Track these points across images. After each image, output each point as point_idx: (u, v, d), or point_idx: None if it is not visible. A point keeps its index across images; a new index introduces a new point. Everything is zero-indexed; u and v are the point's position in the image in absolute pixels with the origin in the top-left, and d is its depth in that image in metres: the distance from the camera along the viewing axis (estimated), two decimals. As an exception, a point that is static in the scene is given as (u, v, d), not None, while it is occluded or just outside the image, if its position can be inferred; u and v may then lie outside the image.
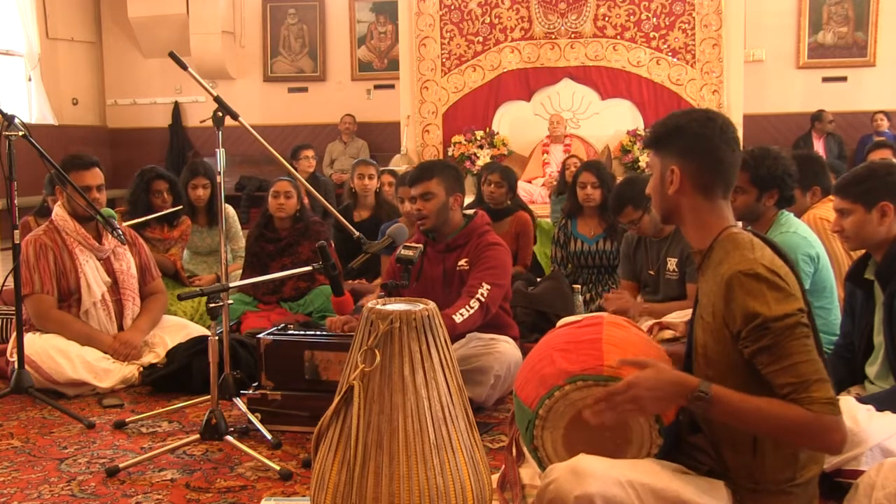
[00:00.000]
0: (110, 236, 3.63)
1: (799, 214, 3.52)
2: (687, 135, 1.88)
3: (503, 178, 5.03)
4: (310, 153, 7.30)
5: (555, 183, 6.87)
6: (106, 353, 3.61)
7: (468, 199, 5.85)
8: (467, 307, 3.13)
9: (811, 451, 1.81)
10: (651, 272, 3.70)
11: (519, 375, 2.11)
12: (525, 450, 2.31)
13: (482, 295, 3.16)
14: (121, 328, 3.75)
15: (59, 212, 3.69)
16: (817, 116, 8.98)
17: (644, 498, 1.71)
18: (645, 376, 1.73)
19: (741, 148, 1.92)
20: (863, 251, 2.66)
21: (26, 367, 3.28)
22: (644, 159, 7.86)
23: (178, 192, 4.75)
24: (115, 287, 3.74)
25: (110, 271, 3.73)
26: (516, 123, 8.46)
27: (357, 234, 3.00)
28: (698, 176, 1.86)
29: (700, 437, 1.91)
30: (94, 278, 3.66)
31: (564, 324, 2.25)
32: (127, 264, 3.79)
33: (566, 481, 1.71)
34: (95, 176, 3.67)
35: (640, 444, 1.87)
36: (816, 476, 1.87)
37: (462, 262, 3.33)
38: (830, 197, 3.44)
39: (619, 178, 7.79)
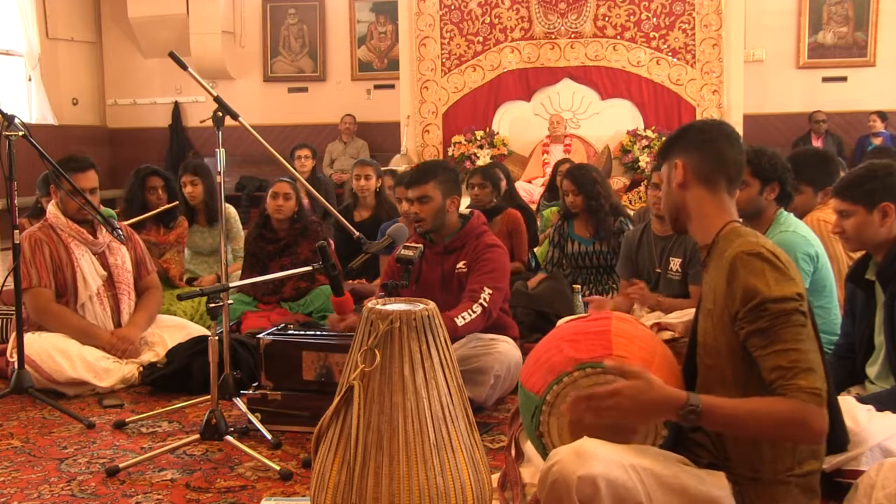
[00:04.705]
0: (104, 230, 3.64)
1: (804, 213, 3.52)
2: (688, 133, 2.00)
3: (485, 179, 5.05)
4: (304, 153, 7.29)
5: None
6: (104, 348, 3.61)
7: (466, 201, 5.86)
8: (470, 311, 3.13)
9: (800, 444, 1.81)
10: (657, 269, 3.70)
11: (525, 367, 2.14)
12: (525, 447, 2.32)
13: (484, 300, 3.17)
14: (118, 324, 3.75)
15: (52, 210, 3.71)
16: (811, 116, 9.01)
17: (646, 482, 1.71)
18: (631, 387, 1.72)
19: (743, 147, 1.99)
20: (862, 252, 2.66)
21: (26, 366, 3.29)
22: (644, 159, 7.86)
23: (173, 189, 4.76)
24: (110, 281, 3.75)
25: (105, 265, 3.75)
26: (516, 123, 8.47)
27: (357, 234, 3.00)
28: (700, 167, 1.94)
29: (700, 433, 1.92)
30: (89, 272, 3.66)
31: (570, 320, 2.26)
32: (122, 259, 3.80)
33: (570, 462, 1.71)
34: (89, 179, 3.66)
35: (644, 434, 1.89)
36: (817, 472, 1.87)
37: (460, 264, 3.33)
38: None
39: (619, 179, 7.87)
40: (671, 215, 2.02)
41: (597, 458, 1.70)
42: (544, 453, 1.95)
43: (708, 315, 1.85)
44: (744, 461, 1.83)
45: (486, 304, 3.16)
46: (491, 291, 3.20)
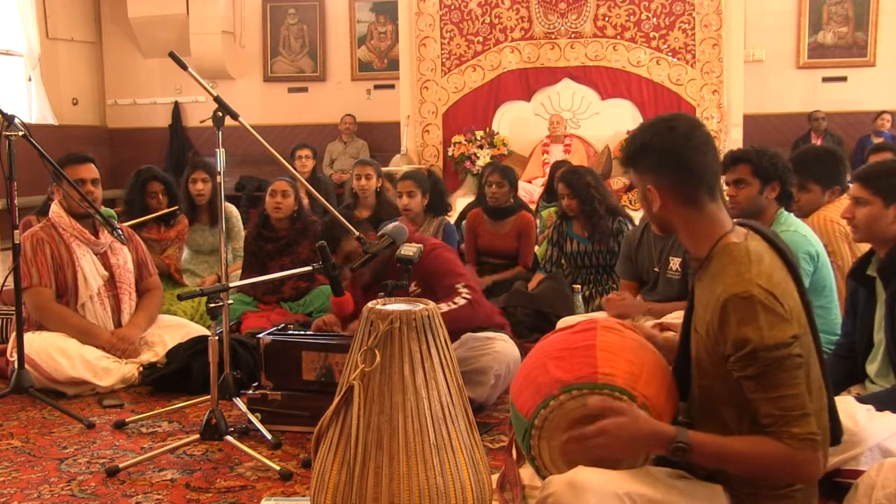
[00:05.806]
0: (106, 231, 3.65)
1: (811, 212, 3.52)
2: (652, 152, 1.83)
3: (503, 178, 5.06)
4: (304, 153, 7.30)
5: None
6: (103, 348, 3.62)
7: (469, 199, 5.86)
8: (451, 303, 3.12)
9: (788, 482, 1.79)
10: (656, 269, 3.69)
11: (514, 382, 2.09)
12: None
13: (465, 294, 3.16)
14: (118, 324, 3.76)
15: (55, 209, 3.72)
16: (811, 115, 9.03)
17: None
18: (618, 425, 1.72)
19: (714, 145, 1.85)
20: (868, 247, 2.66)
21: (26, 365, 3.29)
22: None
23: (173, 193, 4.75)
24: (111, 281, 3.76)
25: (107, 266, 3.76)
26: (516, 123, 8.47)
27: (357, 233, 2.99)
28: (676, 190, 1.81)
29: None
30: (90, 272, 3.67)
31: (560, 328, 2.24)
32: (123, 259, 3.81)
33: (564, 495, 1.71)
34: (90, 170, 3.71)
35: (636, 455, 1.86)
36: (816, 482, 1.86)
37: (412, 287, 3.30)
38: (843, 197, 3.42)
39: (619, 179, 7.86)
40: (659, 227, 1.93)
41: (591, 489, 1.69)
42: (539, 474, 1.94)
43: (700, 342, 1.80)
44: (742, 479, 1.81)
45: (469, 297, 3.16)
46: (464, 283, 3.19)
